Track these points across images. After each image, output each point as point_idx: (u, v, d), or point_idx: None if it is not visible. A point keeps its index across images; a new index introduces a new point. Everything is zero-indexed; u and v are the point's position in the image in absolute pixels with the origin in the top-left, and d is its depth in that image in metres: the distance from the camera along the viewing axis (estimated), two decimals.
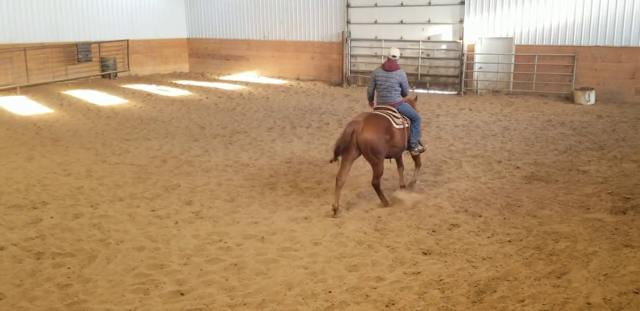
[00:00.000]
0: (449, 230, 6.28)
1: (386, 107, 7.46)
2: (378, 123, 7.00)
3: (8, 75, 19.00)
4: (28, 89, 18.62)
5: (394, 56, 7.61)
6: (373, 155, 6.93)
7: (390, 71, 7.50)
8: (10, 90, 18.08)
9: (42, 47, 19.71)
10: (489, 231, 6.21)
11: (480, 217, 6.69)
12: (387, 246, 5.83)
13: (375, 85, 7.64)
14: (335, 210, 6.84)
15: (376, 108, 7.55)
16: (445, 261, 5.42)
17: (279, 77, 22.17)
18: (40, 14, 19.84)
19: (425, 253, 5.64)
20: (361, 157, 7.17)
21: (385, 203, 7.16)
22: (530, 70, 16.47)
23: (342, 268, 5.34)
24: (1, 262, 5.49)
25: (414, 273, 5.18)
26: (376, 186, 7.11)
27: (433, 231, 6.25)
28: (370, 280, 5.08)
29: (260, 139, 11.25)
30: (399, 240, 5.99)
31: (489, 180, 8.28)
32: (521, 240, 5.94)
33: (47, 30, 20.05)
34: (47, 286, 5.02)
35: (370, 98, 7.93)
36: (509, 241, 5.91)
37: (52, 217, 6.76)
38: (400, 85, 7.49)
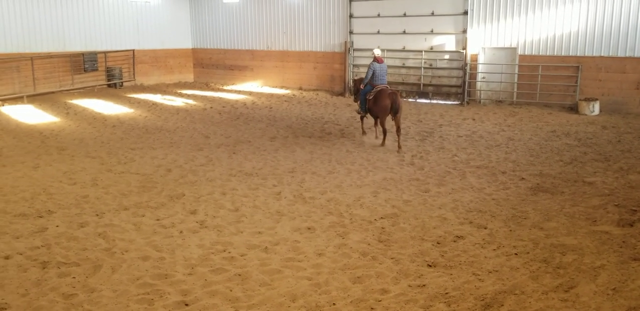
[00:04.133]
0: (454, 242, 6.26)
1: (386, 85, 11.75)
2: (400, 94, 11.90)
3: (15, 84, 19.15)
4: (35, 98, 18.74)
5: (378, 54, 11.94)
6: (400, 112, 11.30)
7: (382, 63, 11.82)
8: (17, 99, 18.21)
9: (49, 56, 19.87)
10: (494, 243, 6.18)
11: (485, 228, 6.67)
12: (392, 258, 5.80)
13: (374, 73, 11.65)
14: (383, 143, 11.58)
15: (379, 86, 11.59)
16: (451, 274, 5.39)
17: (282, 87, 22.26)
18: (47, 24, 20.02)
19: (430, 266, 5.61)
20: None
21: (400, 146, 11.16)
22: (534, 80, 16.51)
23: (346, 280, 5.31)
24: (6, 271, 5.47)
25: (419, 286, 5.16)
26: (400, 130, 11.39)
27: (438, 243, 6.23)
28: (375, 292, 5.06)
29: (263, 148, 11.27)
30: (403, 252, 5.97)
31: (493, 191, 8.27)
32: (528, 252, 5.90)
33: (54, 39, 20.22)
34: (52, 296, 4.99)
35: (366, 83, 11.83)
36: (516, 254, 5.88)
37: (57, 226, 6.76)
38: (386, 72, 11.92)
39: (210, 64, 24.75)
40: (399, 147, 11.08)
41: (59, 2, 20.27)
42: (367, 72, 11.76)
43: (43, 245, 6.17)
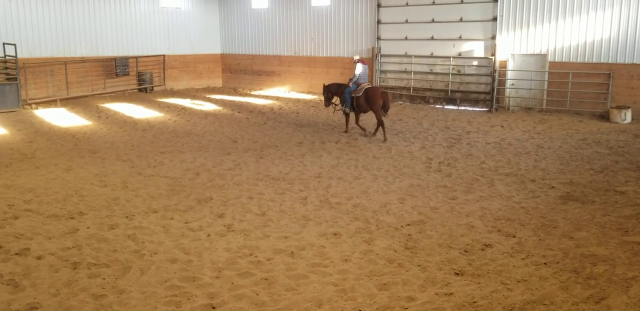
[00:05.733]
0: (482, 250, 6.19)
1: (368, 83, 13.41)
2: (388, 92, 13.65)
3: (49, 88, 19.69)
4: (68, 102, 19.22)
5: (360, 57, 13.82)
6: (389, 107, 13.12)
7: (365, 64, 13.32)
8: (50, 103, 18.70)
9: (82, 61, 20.36)
10: (523, 252, 6.09)
11: (514, 237, 6.57)
12: (418, 266, 5.77)
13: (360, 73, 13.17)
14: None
15: (363, 85, 13.12)
16: (479, 283, 5.33)
17: (309, 92, 22.35)
18: (81, 30, 20.54)
19: (458, 274, 5.56)
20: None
21: (385, 136, 12.76)
22: (564, 88, 16.24)
23: (372, 287, 5.29)
24: (39, 271, 5.60)
25: (446, 294, 5.11)
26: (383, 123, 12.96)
27: (465, 251, 6.17)
28: (401, 299, 5.03)
29: (290, 153, 11.33)
30: (430, 259, 5.92)
31: (522, 199, 8.15)
32: (557, 262, 5.80)
33: (87, 45, 20.74)
34: (83, 297, 5.09)
35: (353, 82, 13.16)
36: (545, 263, 5.78)
37: (88, 227, 6.90)
38: (367, 72, 13.55)
39: (239, 69, 25.01)
40: (385, 137, 12.71)
41: (93, 9, 20.78)
42: (355, 72, 13.15)
43: (74, 246, 6.30)
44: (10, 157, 10.82)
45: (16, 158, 10.72)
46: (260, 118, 16.05)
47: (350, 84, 13.15)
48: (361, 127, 13.45)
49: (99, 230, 6.83)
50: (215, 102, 19.91)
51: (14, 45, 17.26)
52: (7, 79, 17.47)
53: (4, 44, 17.93)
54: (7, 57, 17.87)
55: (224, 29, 25.13)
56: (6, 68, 17.94)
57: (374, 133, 13.10)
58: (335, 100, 14.02)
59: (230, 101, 20.12)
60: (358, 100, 12.95)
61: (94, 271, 5.63)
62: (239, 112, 17.16)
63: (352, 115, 13.74)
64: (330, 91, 13.73)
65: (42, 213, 7.46)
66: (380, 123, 12.79)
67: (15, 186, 8.74)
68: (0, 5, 18.57)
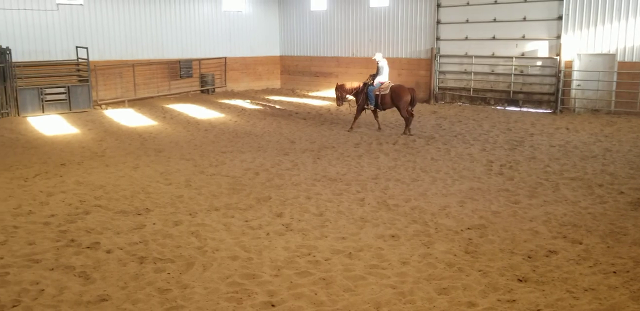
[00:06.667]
0: (546, 256, 5.99)
1: (390, 81, 13.69)
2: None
3: (117, 89, 20.59)
4: (135, 102, 20.06)
5: (381, 57, 13.76)
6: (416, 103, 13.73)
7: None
8: (119, 103, 19.57)
9: (149, 63, 21.17)
10: (590, 260, 5.86)
11: (580, 244, 6.33)
12: (479, 271, 5.65)
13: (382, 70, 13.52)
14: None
15: (385, 83, 13.47)
16: (543, 290, 5.16)
17: None
18: (148, 33, 21.38)
19: (521, 280, 5.40)
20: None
21: (410, 131, 13.43)
22: (635, 89, 15.45)
23: (431, 291, 5.23)
24: (108, 265, 5.87)
25: (508, 301, 4.98)
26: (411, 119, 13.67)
27: (529, 257, 5.99)
28: (462, 304, 4.95)
29: (347, 154, 11.35)
30: (492, 265, 5.79)
31: (589, 204, 7.83)
32: (628, 271, 5.54)
33: (153, 48, 21.55)
34: (149, 290, 5.28)
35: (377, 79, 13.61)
36: (614, 272, 5.53)
37: (154, 224, 7.18)
38: None
39: (297, 71, 25.29)
40: (410, 132, 13.33)
41: (159, 13, 21.58)
42: (382, 70, 13.44)
43: (141, 241, 6.56)
44: (82, 155, 11.40)
45: (87, 157, 11.29)
46: (317, 119, 16.16)
47: (373, 82, 13.51)
48: (405, 119, 13.68)
49: (164, 226, 7.09)
50: (274, 103, 20.22)
51: (86, 48, 18.17)
52: (80, 81, 18.42)
53: (77, 47, 18.92)
54: (79, 60, 18.85)
55: (283, 31, 25.47)
56: (79, 70, 18.92)
57: (405, 132, 13.41)
58: (350, 100, 14.35)
59: (288, 102, 20.38)
60: (383, 98, 13.35)
61: (160, 266, 5.84)
62: (296, 113, 17.35)
63: (355, 112, 14.21)
64: (344, 90, 13.96)
65: (111, 209, 7.82)
66: (406, 120, 13.37)
67: (87, 183, 9.21)
68: (75, 11, 19.60)
